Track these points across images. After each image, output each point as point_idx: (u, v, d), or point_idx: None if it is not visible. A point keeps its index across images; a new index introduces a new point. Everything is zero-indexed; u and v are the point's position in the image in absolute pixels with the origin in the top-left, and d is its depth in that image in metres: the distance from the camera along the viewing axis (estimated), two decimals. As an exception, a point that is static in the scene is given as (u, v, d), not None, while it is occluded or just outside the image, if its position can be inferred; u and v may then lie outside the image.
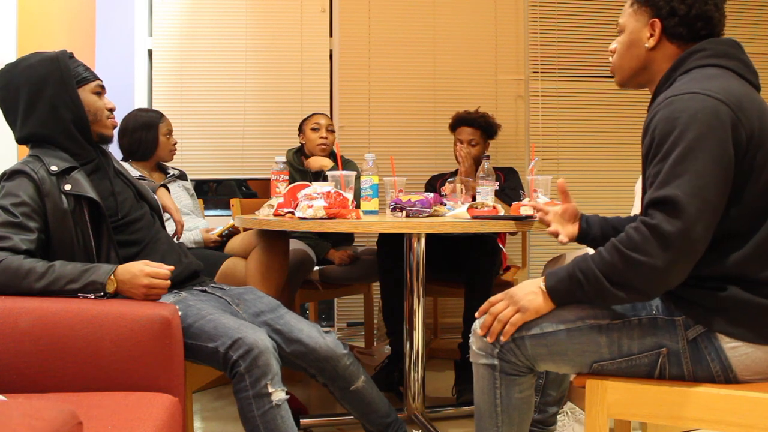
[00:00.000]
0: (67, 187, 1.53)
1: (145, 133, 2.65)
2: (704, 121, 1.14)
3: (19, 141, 1.63)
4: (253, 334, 1.47)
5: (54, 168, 1.53)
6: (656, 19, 1.33)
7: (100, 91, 1.67)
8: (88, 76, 1.64)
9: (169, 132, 2.71)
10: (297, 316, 1.75)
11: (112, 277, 1.45)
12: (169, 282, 1.49)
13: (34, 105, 1.57)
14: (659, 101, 1.23)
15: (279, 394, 1.45)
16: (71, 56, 1.63)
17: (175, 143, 2.75)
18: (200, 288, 1.77)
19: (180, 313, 1.51)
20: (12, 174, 1.53)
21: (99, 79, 1.68)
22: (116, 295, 1.46)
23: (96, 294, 1.43)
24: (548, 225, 1.61)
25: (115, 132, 1.77)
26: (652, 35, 1.34)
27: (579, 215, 1.59)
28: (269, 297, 1.81)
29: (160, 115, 2.71)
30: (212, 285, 1.82)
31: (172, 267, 1.52)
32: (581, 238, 1.56)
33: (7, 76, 1.59)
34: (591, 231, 1.55)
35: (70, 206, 1.53)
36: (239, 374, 1.44)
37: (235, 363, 1.45)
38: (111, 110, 1.70)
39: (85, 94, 1.63)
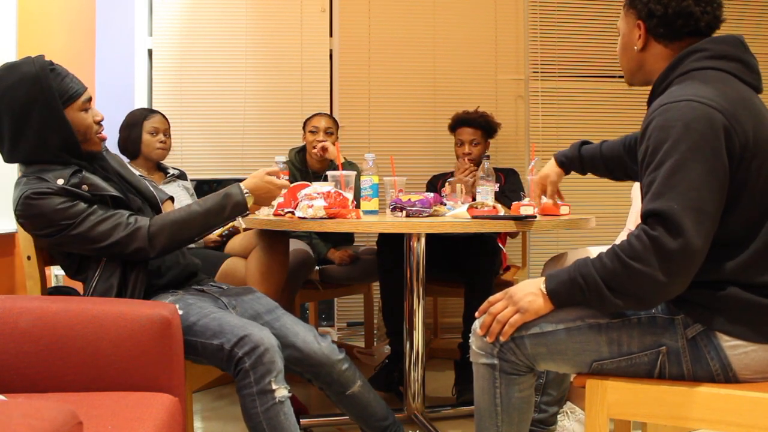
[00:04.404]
0: (84, 188, 1.52)
1: (130, 132, 2.65)
2: (698, 131, 1.14)
3: (9, 162, 1.57)
4: (259, 332, 1.48)
5: (60, 181, 1.49)
6: (640, 21, 1.33)
7: (88, 107, 1.57)
8: (74, 92, 1.53)
9: (155, 130, 2.65)
10: (294, 318, 1.74)
11: (248, 193, 1.60)
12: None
13: (21, 132, 1.49)
14: (654, 107, 1.23)
15: (282, 391, 1.46)
16: (52, 68, 1.50)
17: (164, 141, 2.67)
18: (198, 287, 1.77)
19: (181, 312, 1.52)
20: (33, 200, 1.46)
21: (84, 91, 1.56)
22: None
23: (242, 215, 1.61)
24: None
25: (105, 144, 1.69)
26: (640, 37, 1.34)
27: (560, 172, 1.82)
28: (267, 298, 1.81)
29: (146, 113, 2.69)
30: (211, 284, 1.82)
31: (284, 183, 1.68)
32: (567, 170, 1.81)
33: None
34: (575, 167, 1.77)
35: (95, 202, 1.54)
36: (244, 371, 1.45)
37: (240, 360, 1.45)
38: (99, 122, 1.60)
39: (73, 113, 1.53)
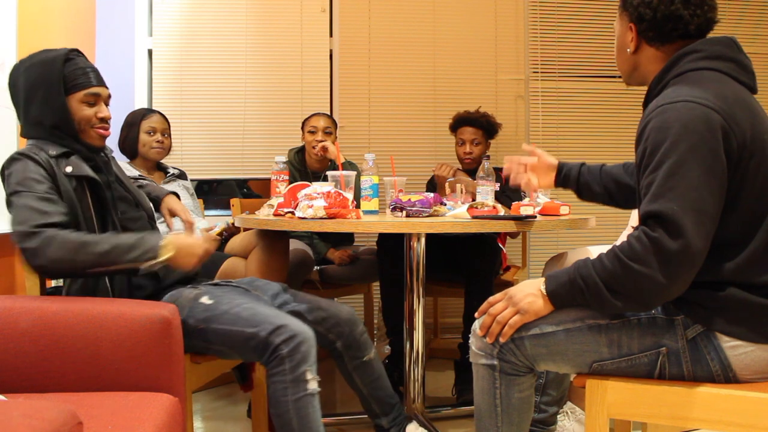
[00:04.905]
0: (68, 168, 1.53)
1: (128, 131, 2.66)
2: (696, 131, 1.14)
3: (23, 136, 1.63)
4: (297, 323, 1.51)
5: (53, 152, 1.54)
6: (632, 24, 1.34)
7: (93, 101, 1.59)
8: (80, 83, 1.57)
9: (153, 129, 2.65)
10: (307, 294, 1.84)
11: (168, 243, 1.48)
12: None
13: (29, 107, 1.57)
14: (651, 108, 1.23)
15: (314, 384, 1.48)
16: (70, 59, 1.57)
17: (161, 141, 2.65)
18: (212, 282, 1.79)
19: (211, 301, 1.56)
20: (14, 160, 1.52)
21: (96, 86, 1.60)
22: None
23: (149, 265, 1.45)
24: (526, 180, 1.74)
25: (110, 149, 1.74)
26: (632, 39, 1.35)
27: (556, 166, 1.71)
28: (275, 283, 1.85)
29: (145, 112, 2.69)
30: (220, 280, 1.84)
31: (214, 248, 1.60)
32: (559, 184, 1.72)
33: (14, 75, 1.60)
34: (569, 180, 1.68)
35: (71, 187, 1.53)
36: (280, 358, 1.46)
37: (277, 347, 1.46)
38: (103, 119, 1.61)
39: (74, 102, 1.57)
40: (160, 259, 1.46)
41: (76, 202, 1.53)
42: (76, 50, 1.61)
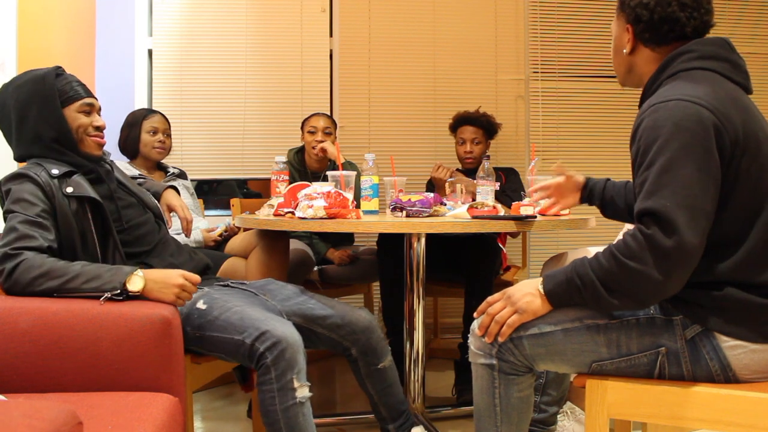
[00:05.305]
0: (69, 189, 1.53)
1: (129, 131, 2.67)
2: (688, 129, 1.14)
3: (18, 160, 1.64)
4: (282, 327, 1.47)
5: (55, 171, 1.54)
6: (629, 25, 1.34)
7: (89, 110, 1.63)
8: (74, 94, 1.61)
9: (155, 129, 2.66)
10: (325, 297, 1.80)
11: (141, 274, 1.42)
12: (197, 288, 1.50)
13: (22, 126, 1.58)
14: (644, 108, 1.23)
15: (304, 390, 1.45)
16: (59, 74, 1.61)
17: (162, 141, 2.68)
18: (222, 283, 1.78)
19: (204, 306, 1.54)
20: (14, 178, 1.52)
21: (88, 97, 1.64)
22: (134, 297, 1.41)
23: (113, 293, 1.38)
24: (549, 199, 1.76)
25: (106, 149, 1.74)
26: (629, 41, 1.35)
27: (582, 183, 1.69)
28: (292, 285, 1.83)
29: (146, 113, 2.70)
30: (231, 281, 1.83)
31: (198, 278, 1.50)
32: (584, 201, 1.70)
33: (1, 98, 1.60)
34: (593, 196, 1.66)
35: (72, 208, 1.53)
36: (265, 366, 1.44)
37: (261, 355, 1.44)
38: (98, 128, 1.65)
39: (70, 112, 1.60)
40: (132, 289, 1.41)
41: (74, 224, 1.53)
42: (61, 67, 1.63)
